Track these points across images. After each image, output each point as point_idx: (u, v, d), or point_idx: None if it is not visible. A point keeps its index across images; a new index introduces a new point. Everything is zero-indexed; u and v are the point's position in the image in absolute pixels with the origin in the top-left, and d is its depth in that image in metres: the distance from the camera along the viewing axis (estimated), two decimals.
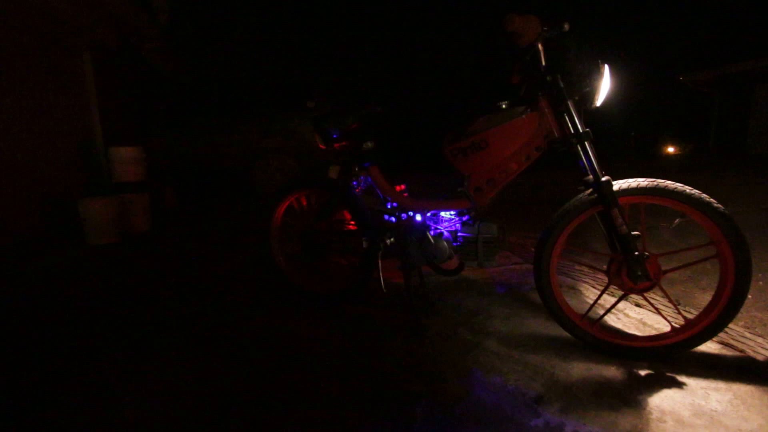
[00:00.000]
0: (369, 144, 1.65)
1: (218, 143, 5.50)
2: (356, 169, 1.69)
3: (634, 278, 1.32)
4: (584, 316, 1.47)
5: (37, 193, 3.43)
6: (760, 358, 1.37)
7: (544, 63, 1.32)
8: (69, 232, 3.43)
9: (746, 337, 1.51)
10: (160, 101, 5.23)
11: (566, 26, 1.30)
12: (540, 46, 1.31)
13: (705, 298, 1.86)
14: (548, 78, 1.31)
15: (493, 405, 1.20)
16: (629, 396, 1.21)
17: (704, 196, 1.26)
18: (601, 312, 1.55)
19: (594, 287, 2.02)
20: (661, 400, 1.18)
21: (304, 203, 1.90)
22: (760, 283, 2.04)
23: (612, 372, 1.34)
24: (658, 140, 10.51)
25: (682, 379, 1.28)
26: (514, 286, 2.10)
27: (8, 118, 3.29)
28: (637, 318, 1.66)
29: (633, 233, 1.31)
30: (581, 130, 1.31)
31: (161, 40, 5.09)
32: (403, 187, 1.78)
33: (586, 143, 1.31)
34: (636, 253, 1.30)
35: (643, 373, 1.33)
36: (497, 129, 1.41)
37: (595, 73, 1.29)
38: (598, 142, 1.35)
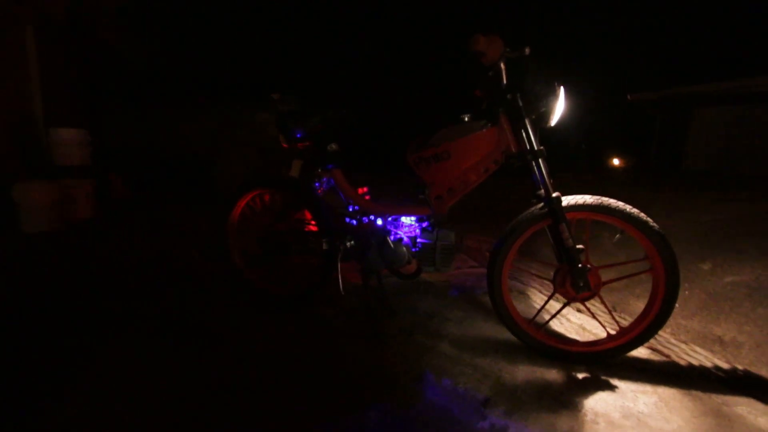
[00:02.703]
0: (333, 146, 1.65)
1: (177, 132, 5.25)
2: (319, 170, 1.68)
3: (576, 288, 1.41)
4: (531, 321, 1.56)
5: None
6: (682, 363, 1.51)
7: (505, 81, 1.38)
8: (1, 220, 3.15)
9: (672, 343, 1.65)
10: (114, 84, 4.91)
11: (527, 50, 1.37)
12: (502, 65, 1.37)
13: (638, 305, 2.02)
14: (508, 96, 1.38)
15: (443, 408, 1.25)
16: (567, 398, 1.30)
17: (642, 215, 1.37)
18: (547, 317, 1.64)
19: (541, 293, 2.13)
20: (595, 402, 1.27)
21: (267, 199, 1.87)
22: (686, 292, 2.24)
23: (553, 375, 1.42)
24: (606, 153, 11.28)
25: (614, 382, 1.38)
26: (468, 290, 2.17)
27: None
28: (577, 323, 1.77)
29: (578, 246, 1.40)
30: (536, 148, 1.38)
31: (117, 19, 4.77)
32: (365, 189, 1.79)
33: (540, 160, 1.38)
34: (579, 265, 1.39)
35: (580, 376, 1.42)
36: (459, 141, 1.46)
37: (552, 95, 1.37)
38: (552, 153, 1.43)
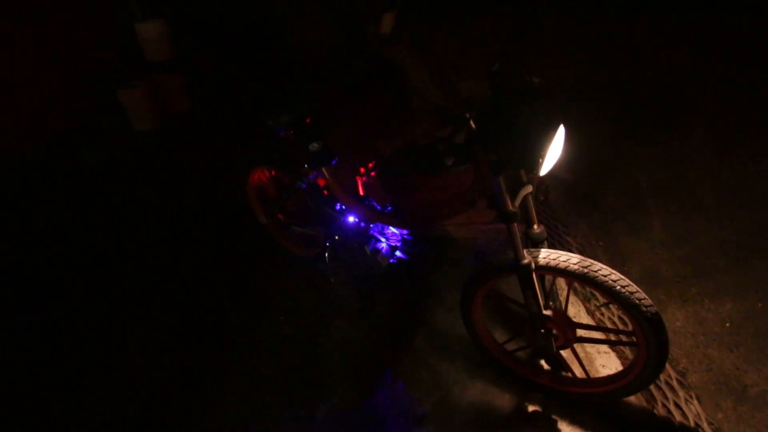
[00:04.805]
0: (315, 145, 1.52)
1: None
2: (306, 166, 1.62)
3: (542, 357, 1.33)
4: (499, 345, 1.53)
5: (79, 78, 3.53)
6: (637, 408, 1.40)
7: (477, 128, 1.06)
8: (112, 117, 3.68)
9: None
10: None
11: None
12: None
13: None
14: (481, 145, 1.08)
15: (383, 415, 1.46)
16: None
17: (635, 295, 1.11)
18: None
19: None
20: None
21: (273, 174, 1.92)
22: None
23: (502, 401, 1.47)
24: None
25: (561, 425, 1.39)
26: (483, 255, 2.05)
27: None
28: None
29: (545, 313, 1.24)
30: (509, 210, 1.13)
31: None
32: (362, 170, 1.69)
33: (513, 225, 1.15)
34: (542, 330, 1.26)
35: (530, 409, 1.45)
36: (430, 176, 1.26)
37: (542, 141, 1.02)
38: None
